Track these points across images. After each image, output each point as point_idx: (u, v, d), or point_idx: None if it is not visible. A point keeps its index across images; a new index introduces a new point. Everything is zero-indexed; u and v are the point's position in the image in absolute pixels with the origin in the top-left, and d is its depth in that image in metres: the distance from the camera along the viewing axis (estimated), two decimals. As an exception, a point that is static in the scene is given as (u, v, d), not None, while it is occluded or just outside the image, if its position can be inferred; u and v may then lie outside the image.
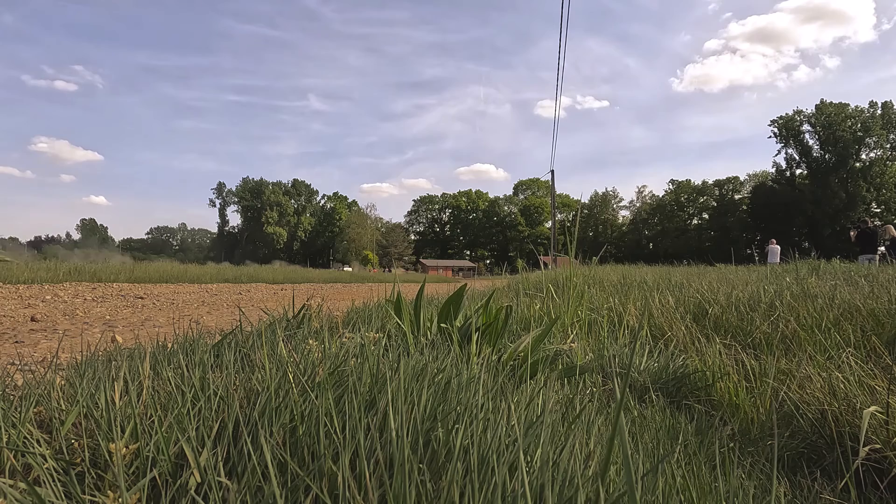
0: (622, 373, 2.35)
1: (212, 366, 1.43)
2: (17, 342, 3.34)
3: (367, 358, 1.31)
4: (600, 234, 56.80)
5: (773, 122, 46.11)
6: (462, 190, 65.57)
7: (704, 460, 1.58)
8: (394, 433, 0.84)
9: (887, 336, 2.80)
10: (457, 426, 0.97)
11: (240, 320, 1.95)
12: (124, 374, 1.11)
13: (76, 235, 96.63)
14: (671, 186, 55.25)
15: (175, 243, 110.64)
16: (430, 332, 2.24)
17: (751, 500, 1.18)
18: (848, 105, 42.88)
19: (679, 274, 7.78)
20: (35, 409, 1.03)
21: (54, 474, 0.80)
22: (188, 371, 1.25)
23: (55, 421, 1.00)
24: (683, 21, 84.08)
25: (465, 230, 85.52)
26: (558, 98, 14.47)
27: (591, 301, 4.17)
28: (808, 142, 44.12)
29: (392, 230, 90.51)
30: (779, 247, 15.49)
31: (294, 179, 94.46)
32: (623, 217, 60.07)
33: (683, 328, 3.42)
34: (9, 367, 2.07)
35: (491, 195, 65.40)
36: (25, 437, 0.91)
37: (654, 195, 57.49)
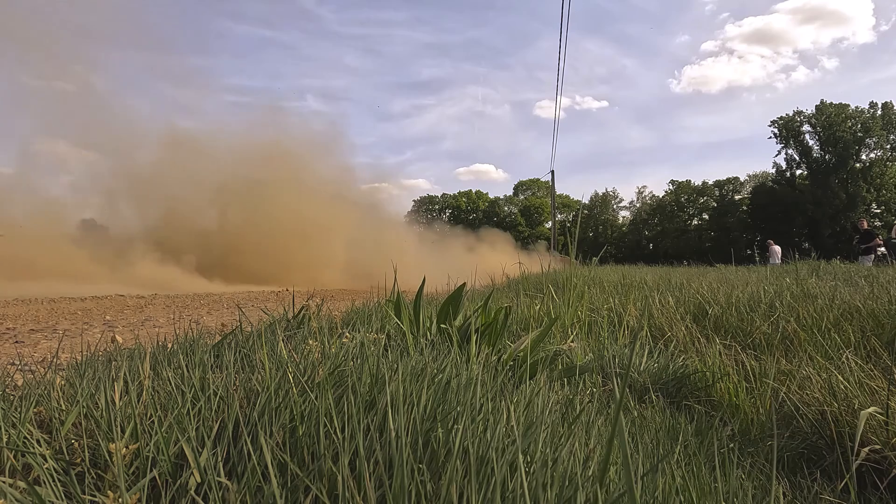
0: (622, 373, 2.35)
1: (212, 366, 1.43)
2: (17, 342, 3.34)
3: (367, 358, 1.31)
4: (600, 234, 56.66)
5: (773, 122, 46.03)
6: (462, 190, 65.33)
7: (704, 461, 1.58)
8: (393, 433, 0.84)
9: (887, 337, 2.80)
10: (456, 426, 0.97)
11: (240, 320, 1.95)
12: (124, 374, 1.11)
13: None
14: (671, 187, 55.16)
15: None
16: (430, 333, 2.24)
17: (750, 501, 1.19)
18: (848, 106, 42.84)
19: (679, 274, 7.79)
20: (35, 409, 1.03)
21: (54, 474, 0.80)
22: (188, 371, 1.26)
23: (55, 421, 1.00)
24: (680, 22, 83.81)
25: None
26: (558, 99, 14.50)
27: (590, 301, 4.17)
28: (808, 142, 44.09)
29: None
30: (778, 247, 15.57)
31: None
32: (623, 217, 59.95)
33: (683, 328, 3.42)
34: (9, 367, 2.07)
35: (491, 195, 65.27)
36: (25, 437, 0.91)
37: (653, 196, 57.38)
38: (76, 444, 0.92)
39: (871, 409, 1.65)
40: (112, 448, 0.82)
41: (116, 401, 1.02)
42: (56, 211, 14.76)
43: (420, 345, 1.89)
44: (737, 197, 51.56)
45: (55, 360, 1.39)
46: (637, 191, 60.67)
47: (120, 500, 0.74)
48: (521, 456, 0.81)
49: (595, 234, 56.41)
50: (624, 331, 3.40)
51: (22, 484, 0.76)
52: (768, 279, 5.48)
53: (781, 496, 1.46)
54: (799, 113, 45.01)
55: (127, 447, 0.86)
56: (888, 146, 41.75)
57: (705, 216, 53.03)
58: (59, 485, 0.79)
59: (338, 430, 0.93)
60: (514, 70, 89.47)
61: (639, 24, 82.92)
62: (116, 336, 3.22)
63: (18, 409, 1.01)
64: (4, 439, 0.89)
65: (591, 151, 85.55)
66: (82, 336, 3.59)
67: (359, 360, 1.34)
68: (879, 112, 41.96)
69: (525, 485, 0.78)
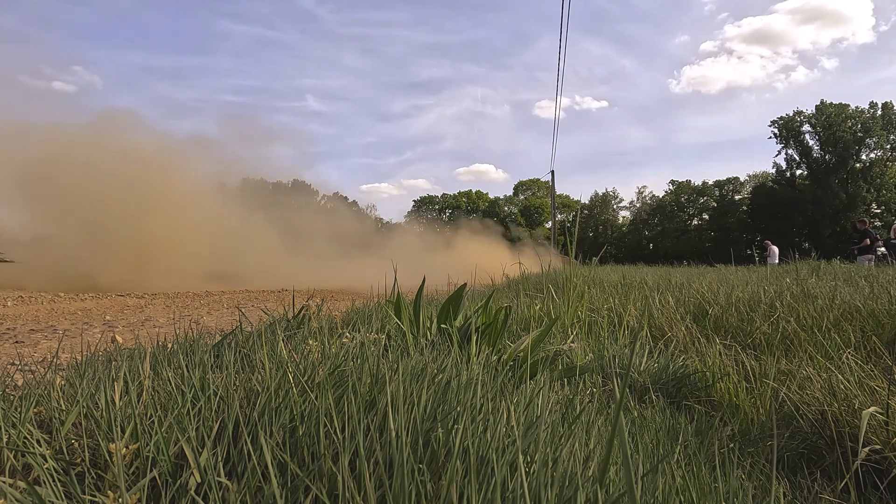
0: (622, 373, 2.35)
1: (212, 366, 1.43)
2: (17, 342, 3.34)
3: (367, 358, 1.31)
4: (600, 234, 56.58)
5: (773, 122, 45.98)
6: (462, 190, 65.33)
7: (704, 461, 1.58)
8: (393, 433, 0.84)
9: (887, 337, 2.80)
10: (456, 426, 0.97)
11: (240, 320, 1.95)
12: (124, 374, 1.11)
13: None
14: (671, 187, 55.08)
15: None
16: (430, 333, 2.24)
17: (750, 501, 1.19)
18: (848, 106, 42.81)
19: (679, 274, 7.79)
20: (35, 409, 1.03)
21: (54, 474, 0.80)
22: (188, 371, 1.25)
23: (55, 421, 1.00)
24: (679, 23, 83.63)
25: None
26: (558, 99, 14.52)
27: (591, 301, 4.17)
28: (808, 142, 44.09)
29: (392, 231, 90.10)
30: (776, 247, 15.64)
31: (293, 180, 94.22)
32: (623, 218, 59.91)
33: (683, 328, 3.42)
34: (9, 367, 2.07)
35: (491, 195, 65.31)
36: (25, 437, 0.91)
37: (653, 196, 57.32)
38: (76, 444, 0.92)
39: (872, 409, 1.65)
40: (112, 448, 0.82)
41: (116, 401, 1.02)
42: None
43: (420, 345, 1.89)
44: (737, 197, 51.51)
45: (55, 360, 1.39)
46: (637, 191, 60.67)
47: (120, 500, 0.73)
48: (521, 456, 0.81)
49: (595, 234, 56.35)
50: (624, 331, 3.40)
51: (22, 484, 0.76)
52: (768, 279, 5.47)
53: (781, 496, 1.46)
54: (799, 113, 45.00)
55: (127, 447, 0.86)
56: (888, 146, 41.71)
57: (705, 216, 52.97)
58: (59, 485, 0.79)
59: (338, 430, 0.93)
60: (514, 70, 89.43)
61: (638, 25, 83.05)
62: (116, 336, 3.22)
63: (18, 409, 1.01)
64: (4, 439, 0.89)
65: (591, 151, 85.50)
66: (82, 336, 3.59)
67: (359, 360, 1.34)
68: (879, 112, 41.94)
69: (525, 485, 0.78)
